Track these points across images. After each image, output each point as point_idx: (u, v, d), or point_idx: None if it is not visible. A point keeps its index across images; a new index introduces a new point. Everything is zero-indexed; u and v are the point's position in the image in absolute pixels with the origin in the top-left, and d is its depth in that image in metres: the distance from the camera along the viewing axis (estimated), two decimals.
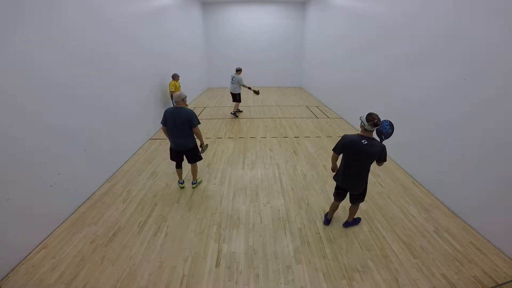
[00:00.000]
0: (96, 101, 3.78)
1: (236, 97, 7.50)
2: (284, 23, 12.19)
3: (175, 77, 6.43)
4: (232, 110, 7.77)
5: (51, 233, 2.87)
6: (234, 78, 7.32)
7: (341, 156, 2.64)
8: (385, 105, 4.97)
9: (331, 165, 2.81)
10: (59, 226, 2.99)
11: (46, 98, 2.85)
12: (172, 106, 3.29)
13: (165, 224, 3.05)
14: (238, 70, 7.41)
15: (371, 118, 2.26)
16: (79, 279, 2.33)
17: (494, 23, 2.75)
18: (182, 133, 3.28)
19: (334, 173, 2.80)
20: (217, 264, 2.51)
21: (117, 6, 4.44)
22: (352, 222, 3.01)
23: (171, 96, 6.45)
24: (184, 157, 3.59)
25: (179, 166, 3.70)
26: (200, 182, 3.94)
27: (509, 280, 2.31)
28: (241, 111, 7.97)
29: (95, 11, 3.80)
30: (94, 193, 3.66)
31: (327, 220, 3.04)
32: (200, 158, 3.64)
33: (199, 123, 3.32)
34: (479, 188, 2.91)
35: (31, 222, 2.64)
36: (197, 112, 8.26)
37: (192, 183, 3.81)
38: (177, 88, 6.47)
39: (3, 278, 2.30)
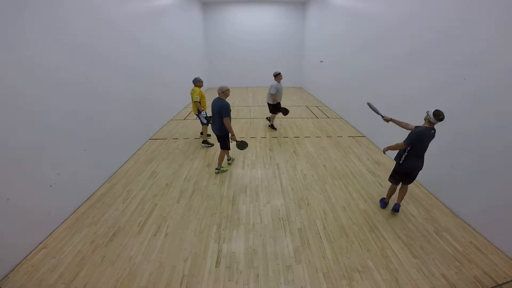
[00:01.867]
0: (96, 100, 3.78)
1: (273, 107, 6.13)
2: (284, 23, 12.18)
3: (197, 82, 5.20)
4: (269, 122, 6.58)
5: (51, 233, 2.87)
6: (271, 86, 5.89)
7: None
8: (385, 105, 4.95)
9: (393, 149, 3.05)
10: (59, 226, 2.99)
11: (45, 98, 2.85)
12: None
13: (165, 224, 3.05)
14: (276, 75, 5.89)
15: (438, 114, 2.65)
16: (79, 279, 2.34)
17: (494, 23, 2.75)
18: (217, 120, 3.89)
19: (399, 162, 3.05)
20: (217, 264, 2.51)
21: (117, 6, 4.44)
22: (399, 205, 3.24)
23: (199, 111, 5.08)
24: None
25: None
26: (226, 170, 4.32)
27: (509, 280, 2.31)
28: (275, 128, 6.45)
29: (96, 11, 3.80)
30: (94, 193, 3.66)
31: (385, 204, 3.34)
32: (227, 148, 4.11)
33: (229, 116, 3.76)
34: (479, 188, 2.91)
35: (31, 222, 2.64)
36: None
37: (216, 169, 4.24)
38: (203, 97, 5.19)
39: (3, 278, 2.30)
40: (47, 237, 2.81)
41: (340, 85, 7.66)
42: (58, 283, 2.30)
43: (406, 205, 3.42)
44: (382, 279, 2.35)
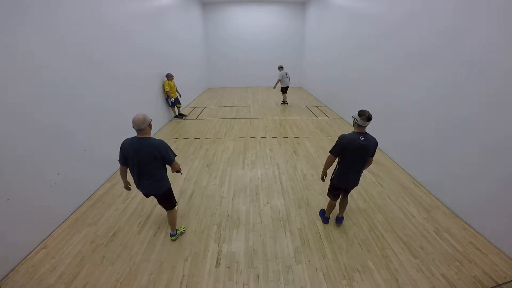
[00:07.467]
0: (96, 101, 3.78)
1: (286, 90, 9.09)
2: (284, 23, 12.20)
3: (169, 76, 6.60)
4: (282, 100, 9.36)
5: (51, 233, 2.87)
6: (287, 74, 8.74)
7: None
8: (385, 105, 4.97)
9: (323, 169, 2.74)
10: (59, 226, 2.99)
11: (45, 98, 2.85)
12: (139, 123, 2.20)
13: (165, 224, 3.04)
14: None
15: (363, 113, 2.36)
16: (79, 279, 2.34)
17: (494, 23, 2.75)
18: (150, 173, 2.36)
19: (331, 176, 2.81)
20: (217, 264, 2.51)
21: (117, 6, 4.44)
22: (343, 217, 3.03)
23: (167, 96, 6.74)
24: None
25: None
26: (184, 231, 2.92)
27: (509, 280, 2.31)
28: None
29: (95, 11, 3.80)
30: (94, 193, 3.66)
31: (326, 219, 3.08)
32: (175, 203, 2.73)
33: (176, 155, 2.47)
34: (479, 188, 2.90)
35: (31, 222, 2.65)
36: (197, 112, 8.27)
37: (171, 235, 2.80)
38: (172, 88, 6.67)
39: (3, 278, 2.31)
40: (47, 237, 2.81)
41: (340, 85, 7.66)
42: (58, 283, 2.30)
43: (406, 205, 3.42)
44: (382, 279, 2.35)
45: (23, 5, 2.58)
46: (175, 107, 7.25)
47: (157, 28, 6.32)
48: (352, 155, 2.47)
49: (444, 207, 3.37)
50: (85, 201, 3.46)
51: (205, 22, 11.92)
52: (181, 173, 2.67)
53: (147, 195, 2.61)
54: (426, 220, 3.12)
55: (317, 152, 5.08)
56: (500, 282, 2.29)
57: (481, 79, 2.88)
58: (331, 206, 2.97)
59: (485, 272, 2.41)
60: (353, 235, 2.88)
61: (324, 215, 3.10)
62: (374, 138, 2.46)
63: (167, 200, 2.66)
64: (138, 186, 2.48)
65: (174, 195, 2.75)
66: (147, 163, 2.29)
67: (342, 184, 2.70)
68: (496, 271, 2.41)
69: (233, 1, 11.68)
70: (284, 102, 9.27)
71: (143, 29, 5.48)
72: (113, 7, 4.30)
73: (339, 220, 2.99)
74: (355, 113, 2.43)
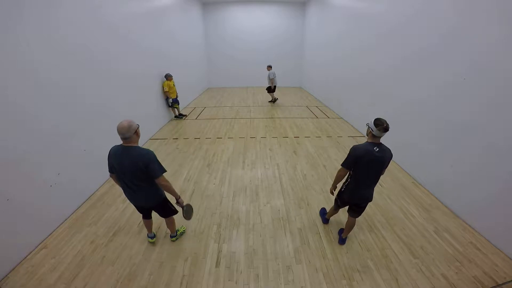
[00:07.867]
0: (96, 101, 3.78)
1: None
2: (284, 23, 12.18)
3: (168, 76, 6.60)
4: (271, 99, 9.57)
5: (51, 233, 2.87)
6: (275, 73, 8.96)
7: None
8: (385, 105, 4.97)
9: (333, 183, 2.49)
10: (59, 226, 2.99)
11: (45, 99, 2.85)
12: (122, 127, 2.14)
13: (165, 224, 3.04)
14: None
15: (380, 123, 2.05)
16: (79, 279, 2.34)
17: (494, 23, 2.75)
18: (138, 184, 2.16)
19: (341, 189, 2.57)
20: (217, 264, 2.51)
21: (117, 6, 4.44)
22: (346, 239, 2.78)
23: (166, 97, 6.78)
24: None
25: (147, 217, 2.64)
26: (184, 232, 2.92)
27: (509, 280, 2.31)
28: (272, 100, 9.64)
29: (95, 11, 3.80)
30: (94, 193, 3.66)
31: (327, 220, 3.07)
32: (175, 212, 2.59)
33: (165, 171, 2.19)
34: (479, 188, 2.90)
35: (31, 222, 2.65)
36: (197, 112, 8.26)
37: (171, 236, 2.79)
38: (171, 88, 6.67)
39: (3, 278, 2.31)
40: (47, 237, 2.81)
41: (340, 85, 7.66)
42: (58, 283, 2.30)
43: (406, 205, 3.42)
44: (382, 279, 2.35)
45: (23, 5, 2.58)
46: (174, 108, 7.30)
47: (157, 28, 6.32)
48: (366, 168, 2.21)
49: (444, 207, 3.37)
50: (85, 201, 3.46)
51: (205, 22, 11.91)
52: (184, 209, 2.42)
53: (140, 208, 2.48)
54: (426, 220, 3.12)
55: (317, 152, 5.08)
56: (500, 282, 2.29)
57: (481, 79, 2.88)
58: (332, 212, 2.88)
59: (485, 272, 2.41)
60: (353, 235, 2.88)
61: (324, 215, 3.10)
62: (389, 150, 2.18)
63: (164, 210, 2.52)
64: (128, 198, 2.33)
65: (177, 190, 2.63)
66: (133, 173, 2.09)
67: (353, 199, 2.46)
68: (496, 271, 2.42)
69: (233, 1, 11.67)
70: (275, 100, 9.49)
71: (143, 29, 5.47)
72: (113, 7, 4.30)
73: (342, 240, 2.76)
74: (370, 121, 2.14)
